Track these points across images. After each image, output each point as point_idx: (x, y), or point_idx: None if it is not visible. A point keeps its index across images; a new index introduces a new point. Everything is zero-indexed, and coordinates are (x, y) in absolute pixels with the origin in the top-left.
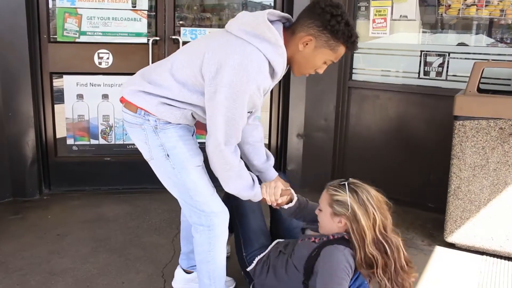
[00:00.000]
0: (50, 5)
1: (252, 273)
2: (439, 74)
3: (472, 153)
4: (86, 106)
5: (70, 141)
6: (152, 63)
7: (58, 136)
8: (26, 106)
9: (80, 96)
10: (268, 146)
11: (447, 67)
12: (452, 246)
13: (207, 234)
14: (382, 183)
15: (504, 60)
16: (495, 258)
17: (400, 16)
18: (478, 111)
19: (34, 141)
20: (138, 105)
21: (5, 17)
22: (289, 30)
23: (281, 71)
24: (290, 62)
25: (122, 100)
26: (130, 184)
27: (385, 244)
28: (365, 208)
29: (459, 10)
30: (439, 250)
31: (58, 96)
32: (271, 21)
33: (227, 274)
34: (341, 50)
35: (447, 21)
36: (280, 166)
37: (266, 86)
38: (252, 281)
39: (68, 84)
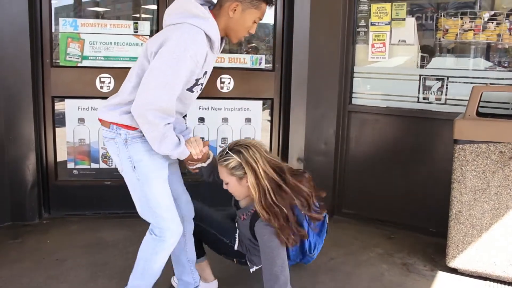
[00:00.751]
0: (53, 30)
1: (241, 250)
2: (438, 98)
3: (472, 177)
4: (87, 130)
5: (70, 165)
6: None
7: (58, 159)
8: (28, 129)
9: (81, 120)
10: None
11: (446, 91)
12: (454, 271)
13: (156, 242)
14: (382, 207)
15: (503, 84)
16: (499, 284)
17: (399, 40)
18: (478, 135)
19: (35, 164)
20: (105, 119)
21: (8, 41)
22: (217, 6)
23: (217, 39)
24: (226, 32)
25: (99, 119)
26: (130, 209)
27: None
28: (254, 158)
29: (457, 35)
30: (441, 275)
31: (59, 120)
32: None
33: None
34: (264, 7)
35: (445, 46)
36: None
37: (202, 55)
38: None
39: (69, 108)
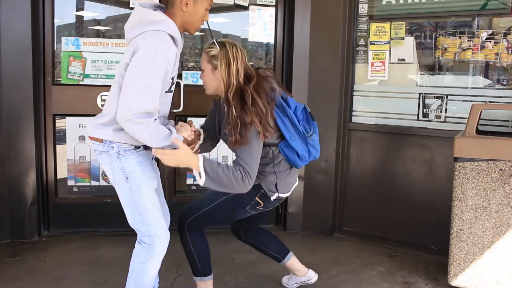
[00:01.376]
0: (55, 48)
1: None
2: (438, 116)
3: (473, 195)
4: (87, 147)
5: (71, 182)
6: None
7: (59, 177)
8: (28, 147)
9: (82, 138)
10: None
11: (446, 109)
12: None
13: (146, 250)
14: (383, 225)
15: (502, 102)
16: None
17: (398, 59)
18: (478, 153)
19: (35, 182)
20: (98, 137)
21: (11, 59)
22: (169, 6)
23: (178, 37)
24: (184, 27)
25: (90, 137)
26: (130, 226)
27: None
28: (234, 55)
29: (455, 53)
30: None
31: (60, 137)
32: None
33: None
34: None
35: (444, 64)
36: (281, 209)
37: (172, 54)
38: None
39: (70, 125)
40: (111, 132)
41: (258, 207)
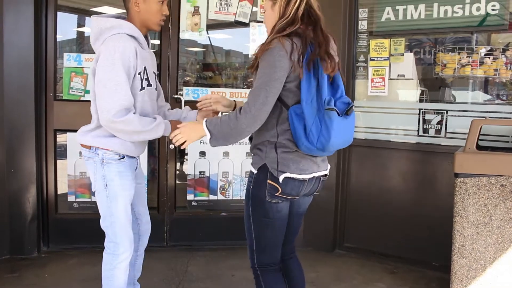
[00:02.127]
0: (57, 64)
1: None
2: (438, 131)
3: (474, 211)
4: None
5: (71, 198)
6: None
7: (59, 192)
8: (29, 162)
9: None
10: None
11: (446, 124)
12: None
13: (111, 257)
14: (384, 241)
15: (502, 118)
16: None
17: (398, 75)
18: (479, 168)
19: (35, 197)
20: (85, 144)
21: (14, 75)
22: (127, 12)
23: (138, 35)
24: (145, 27)
25: (80, 144)
26: None
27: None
28: None
29: (455, 69)
30: None
31: (60, 152)
32: None
33: None
34: None
35: (444, 80)
36: None
37: (131, 49)
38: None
39: (71, 141)
40: (96, 137)
41: (277, 194)
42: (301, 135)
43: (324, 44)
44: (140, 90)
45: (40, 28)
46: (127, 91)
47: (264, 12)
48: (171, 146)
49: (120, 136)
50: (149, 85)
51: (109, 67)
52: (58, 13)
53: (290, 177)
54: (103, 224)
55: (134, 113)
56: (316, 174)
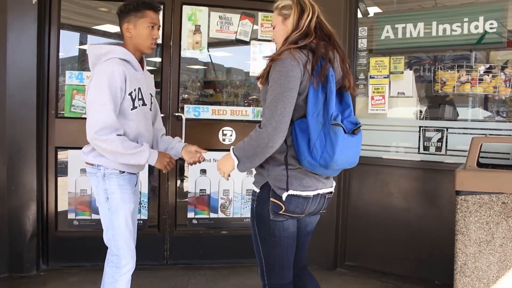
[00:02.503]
0: (59, 82)
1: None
2: (438, 149)
3: (476, 229)
4: (88, 180)
5: (71, 215)
6: None
7: (59, 209)
8: (30, 179)
9: (83, 171)
10: None
11: (446, 141)
12: None
13: (114, 270)
14: (386, 259)
15: (502, 135)
16: None
17: (398, 93)
18: (480, 186)
19: (35, 215)
20: (87, 161)
21: (16, 92)
22: (122, 39)
23: (131, 59)
24: (138, 50)
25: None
26: None
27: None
28: (306, 2)
29: (454, 87)
30: None
31: (61, 169)
32: None
33: None
34: (149, 13)
35: (444, 97)
36: None
37: (120, 72)
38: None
39: (72, 158)
40: (96, 157)
41: (280, 212)
42: (304, 150)
43: (344, 60)
44: (132, 109)
45: (43, 46)
46: (110, 111)
47: (273, 29)
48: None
49: (104, 155)
50: (144, 104)
51: (97, 89)
52: (61, 31)
53: (293, 194)
54: (106, 237)
55: (121, 135)
56: (320, 191)
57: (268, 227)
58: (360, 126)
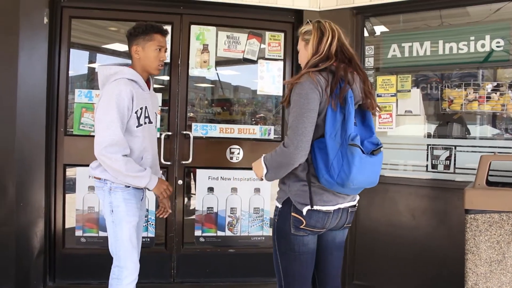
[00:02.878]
0: (68, 99)
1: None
2: (447, 167)
3: (487, 248)
4: (96, 197)
5: (78, 233)
6: (163, 157)
7: (66, 226)
8: (38, 196)
9: (91, 188)
10: None
11: (455, 160)
12: None
13: (116, 282)
14: (394, 278)
15: (511, 153)
16: None
17: (405, 111)
18: (489, 205)
19: (43, 231)
20: (95, 176)
21: (26, 110)
22: (131, 60)
23: (138, 79)
24: (146, 71)
25: (93, 177)
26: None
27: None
28: (332, 28)
29: (462, 105)
30: None
31: (69, 186)
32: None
33: None
34: (156, 36)
35: (451, 115)
36: None
37: (127, 91)
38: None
39: (80, 175)
40: (103, 172)
41: (301, 227)
42: (322, 169)
43: (366, 81)
44: (137, 126)
45: (53, 64)
46: (117, 128)
47: (298, 52)
48: (179, 182)
49: (108, 171)
50: (150, 122)
51: (105, 107)
52: (71, 50)
53: (313, 209)
54: (111, 248)
55: (126, 155)
56: (342, 206)
57: (289, 241)
58: (381, 147)
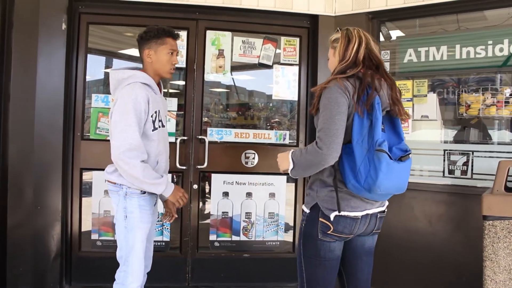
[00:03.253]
0: (85, 104)
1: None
2: (464, 172)
3: (505, 255)
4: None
5: (94, 236)
6: (179, 161)
7: (83, 229)
8: (55, 200)
9: (107, 192)
10: (293, 248)
11: (472, 165)
12: None
13: (120, 287)
14: (410, 284)
15: None
16: None
17: (422, 116)
18: (508, 211)
19: (60, 234)
20: (112, 181)
21: (44, 115)
22: (142, 64)
23: (151, 83)
24: (158, 74)
25: (107, 180)
26: (152, 282)
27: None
28: (359, 34)
29: (479, 110)
30: None
31: (85, 190)
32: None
33: None
34: (169, 40)
35: (468, 120)
36: None
37: (143, 95)
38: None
39: (96, 179)
40: (119, 176)
41: (329, 232)
42: (349, 174)
43: (393, 88)
44: (153, 130)
45: (71, 70)
46: (135, 132)
47: (328, 59)
48: (195, 186)
49: (124, 176)
50: (162, 125)
51: (122, 111)
52: (88, 55)
53: (341, 215)
54: (119, 254)
55: (144, 161)
56: (370, 211)
57: (315, 246)
58: (410, 153)
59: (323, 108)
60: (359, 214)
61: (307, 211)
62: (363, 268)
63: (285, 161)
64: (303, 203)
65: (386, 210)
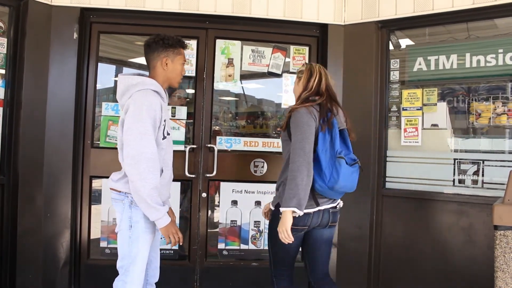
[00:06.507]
0: (96, 112)
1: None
2: (474, 181)
3: None
4: None
5: (103, 244)
6: (187, 170)
7: (92, 237)
8: (65, 207)
9: None
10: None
11: (483, 174)
12: None
13: None
14: None
15: None
16: None
17: (431, 125)
18: None
19: (69, 242)
20: (117, 189)
21: (55, 123)
22: (150, 71)
23: (161, 90)
24: (167, 83)
25: (110, 188)
26: None
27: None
28: (321, 71)
29: (490, 118)
30: None
31: (94, 197)
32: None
33: None
34: (182, 50)
35: (479, 129)
36: None
37: (156, 103)
38: None
39: (106, 187)
40: (125, 184)
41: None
42: (316, 177)
43: (344, 113)
44: (163, 139)
45: (82, 78)
46: (150, 140)
47: (293, 89)
48: (203, 195)
49: (131, 184)
50: (168, 134)
51: (137, 118)
52: (99, 64)
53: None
54: (120, 263)
55: (158, 174)
56: (321, 208)
57: (277, 235)
58: (357, 162)
59: (297, 129)
60: (311, 210)
61: (273, 208)
62: (323, 254)
63: (284, 221)
64: None
65: (337, 207)
